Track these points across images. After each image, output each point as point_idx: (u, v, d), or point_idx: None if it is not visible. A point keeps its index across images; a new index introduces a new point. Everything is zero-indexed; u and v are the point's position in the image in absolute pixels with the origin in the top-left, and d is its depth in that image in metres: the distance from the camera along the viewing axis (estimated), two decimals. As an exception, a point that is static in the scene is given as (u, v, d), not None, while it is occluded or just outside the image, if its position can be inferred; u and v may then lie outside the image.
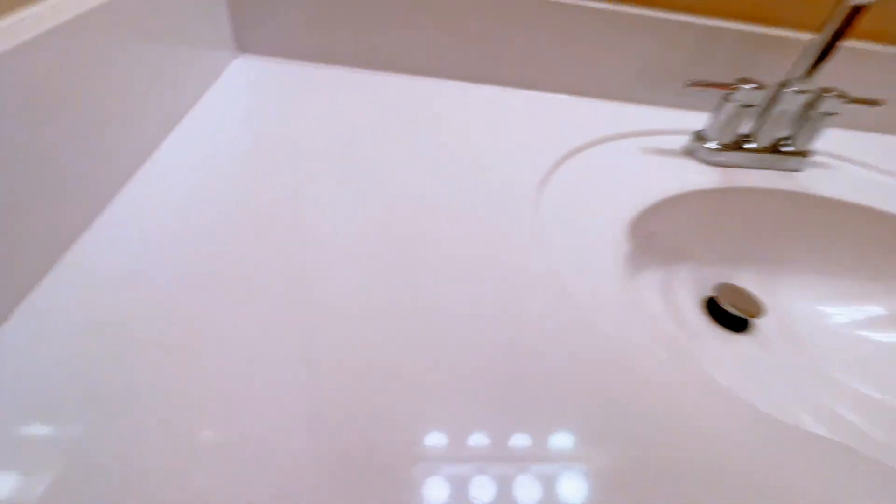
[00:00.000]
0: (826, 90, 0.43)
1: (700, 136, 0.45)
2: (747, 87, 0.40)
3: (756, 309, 0.44)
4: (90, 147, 0.26)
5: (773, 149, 0.46)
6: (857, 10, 0.36)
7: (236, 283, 0.25)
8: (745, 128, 0.46)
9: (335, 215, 0.30)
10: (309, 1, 0.44)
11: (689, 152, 0.45)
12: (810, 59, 0.40)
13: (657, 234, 0.41)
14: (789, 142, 0.46)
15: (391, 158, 0.37)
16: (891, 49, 0.49)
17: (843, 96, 0.42)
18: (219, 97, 0.40)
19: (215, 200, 0.30)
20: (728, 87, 0.41)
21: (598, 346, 0.25)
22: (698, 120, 0.50)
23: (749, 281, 0.47)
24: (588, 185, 0.39)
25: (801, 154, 0.46)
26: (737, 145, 0.45)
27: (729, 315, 0.44)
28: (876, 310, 0.44)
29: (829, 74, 0.49)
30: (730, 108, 0.42)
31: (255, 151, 0.35)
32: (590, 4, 0.45)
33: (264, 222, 0.29)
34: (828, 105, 0.43)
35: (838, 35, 0.38)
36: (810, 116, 0.44)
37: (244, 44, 0.46)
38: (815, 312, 0.45)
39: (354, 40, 0.46)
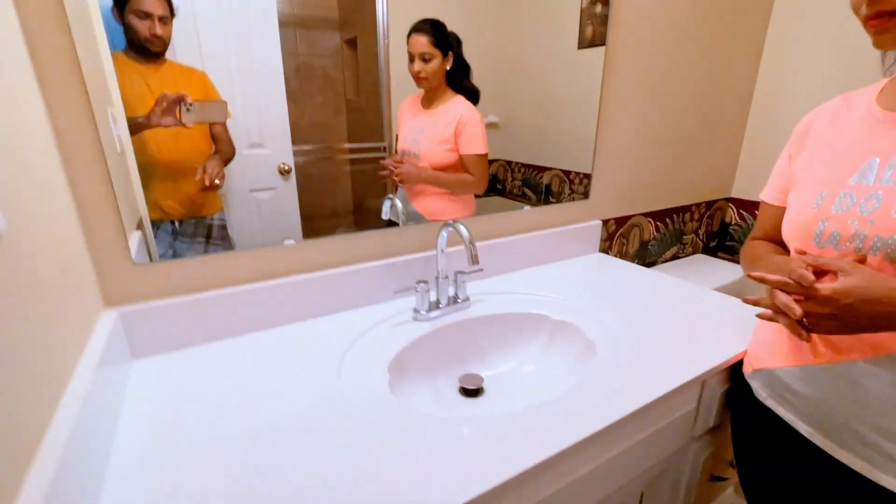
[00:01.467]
0: (458, 271, 0.92)
1: (415, 310, 0.87)
2: (419, 284, 0.86)
3: (480, 381, 0.83)
4: None
5: (452, 301, 0.91)
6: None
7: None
8: (434, 297, 0.91)
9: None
10: (172, 316, 0.73)
11: (413, 319, 0.87)
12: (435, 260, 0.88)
13: (411, 365, 0.78)
14: (458, 296, 0.92)
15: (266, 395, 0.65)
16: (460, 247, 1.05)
17: (450, 275, 0.92)
18: (130, 401, 0.62)
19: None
20: (411, 287, 0.86)
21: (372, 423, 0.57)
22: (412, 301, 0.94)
23: (478, 369, 0.87)
24: (366, 350, 0.74)
25: (466, 299, 0.93)
26: (434, 307, 0.89)
27: (470, 390, 0.81)
28: (526, 359, 0.89)
29: (458, 260, 1.01)
30: (419, 295, 0.86)
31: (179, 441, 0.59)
32: (357, 266, 0.87)
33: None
34: (461, 277, 0.91)
35: (442, 248, 0.87)
36: (458, 282, 0.92)
37: (137, 352, 0.71)
38: (506, 371, 0.87)
39: (205, 327, 0.76)
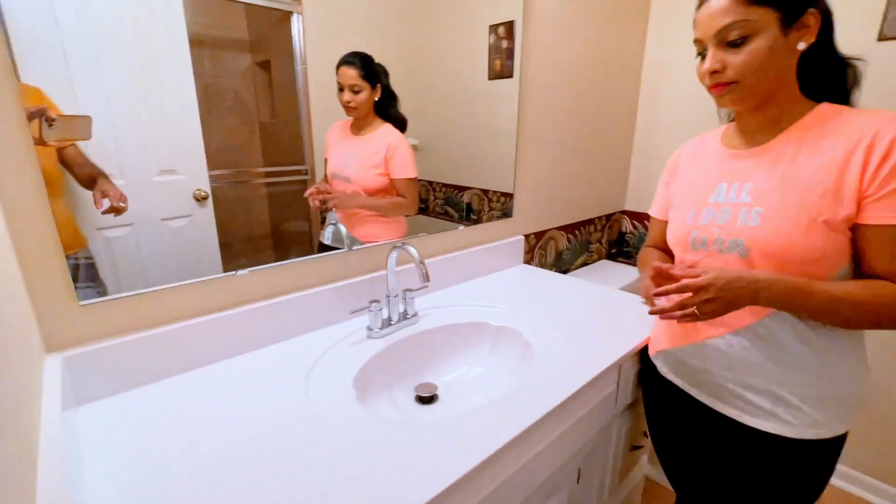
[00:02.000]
0: (406, 289, 0.99)
1: (369, 328, 0.93)
2: (373, 304, 0.91)
3: (434, 388, 0.90)
4: None
5: (403, 317, 0.98)
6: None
7: None
8: (385, 315, 0.97)
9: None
10: (119, 359, 0.70)
11: (368, 337, 0.92)
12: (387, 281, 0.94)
13: (371, 379, 0.83)
14: (407, 311, 0.99)
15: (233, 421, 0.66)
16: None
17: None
18: (89, 448, 0.60)
19: None
20: (365, 307, 0.92)
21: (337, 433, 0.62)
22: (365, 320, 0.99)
23: (431, 378, 0.94)
24: (329, 366, 0.78)
25: (415, 315, 1.00)
26: (387, 323, 0.95)
27: (426, 397, 0.88)
28: (473, 363, 0.99)
29: (405, 278, 1.08)
30: (372, 314, 0.92)
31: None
32: (308, 292, 0.89)
33: None
34: (410, 294, 0.99)
35: (392, 269, 0.94)
36: (407, 299, 0.99)
37: (81, 398, 0.66)
38: (457, 377, 0.96)
39: (159, 364, 0.74)
